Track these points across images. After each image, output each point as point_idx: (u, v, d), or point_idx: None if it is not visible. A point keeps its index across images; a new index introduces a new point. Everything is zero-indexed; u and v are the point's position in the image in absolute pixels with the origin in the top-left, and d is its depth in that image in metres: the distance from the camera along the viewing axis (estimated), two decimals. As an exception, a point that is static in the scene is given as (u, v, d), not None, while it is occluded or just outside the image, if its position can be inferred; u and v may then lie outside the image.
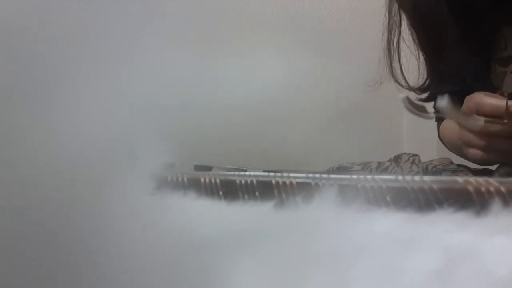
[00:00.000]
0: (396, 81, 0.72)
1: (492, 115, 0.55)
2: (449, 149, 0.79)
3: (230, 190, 0.31)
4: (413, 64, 0.72)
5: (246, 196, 0.30)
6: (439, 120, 0.80)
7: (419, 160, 0.79)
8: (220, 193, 0.31)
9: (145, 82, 0.18)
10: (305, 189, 0.29)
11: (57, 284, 0.15)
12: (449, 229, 0.23)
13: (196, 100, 0.22)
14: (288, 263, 0.20)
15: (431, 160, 0.78)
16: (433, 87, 0.73)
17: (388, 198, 0.27)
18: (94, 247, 0.16)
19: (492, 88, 0.67)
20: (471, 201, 0.26)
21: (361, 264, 0.20)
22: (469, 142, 0.60)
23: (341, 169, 0.75)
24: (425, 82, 0.73)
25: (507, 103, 0.54)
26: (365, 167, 0.76)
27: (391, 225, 0.24)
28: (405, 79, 0.71)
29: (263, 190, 0.30)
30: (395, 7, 0.71)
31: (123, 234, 0.17)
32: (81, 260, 0.16)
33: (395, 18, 0.71)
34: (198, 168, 0.50)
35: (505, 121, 0.54)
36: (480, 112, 0.56)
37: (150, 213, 0.19)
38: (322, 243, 0.22)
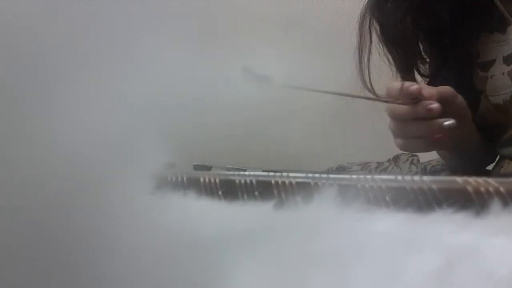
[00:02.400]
0: (368, 89, 0.73)
1: (397, 97, 0.56)
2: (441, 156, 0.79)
3: (229, 190, 0.31)
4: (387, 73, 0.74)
5: (245, 196, 0.30)
6: None
7: (418, 160, 0.79)
8: (220, 192, 0.31)
9: (145, 82, 0.18)
10: (305, 189, 0.29)
11: (57, 283, 0.15)
12: (448, 229, 0.23)
13: (196, 100, 0.22)
14: (288, 263, 0.20)
15: (430, 160, 0.78)
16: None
17: (387, 198, 0.27)
18: (94, 246, 0.16)
19: (476, 92, 0.68)
20: (470, 201, 0.26)
21: (361, 264, 0.20)
22: (392, 131, 0.60)
23: (340, 169, 0.75)
24: None
25: (402, 84, 0.55)
26: (365, 167, 0.77)
27: (391, 225, 0.24)
28: (374, 93, 0.72)
29: (262, 190, 0.30)
30: (366, 27, 0.73)
31: (123, 234, 0.17)
32: (81, 260, 0.16)
33: (365, 37, 0.73)
34: (197, 167, 0.50)
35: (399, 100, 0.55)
36: (388, 96, 0.57)
37: (150, 212, 0.19)
38: (322, 243, 0.22)
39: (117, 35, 0.17)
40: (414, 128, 0.57)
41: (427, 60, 0.72)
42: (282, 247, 0.22)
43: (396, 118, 0.58)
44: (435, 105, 0.54)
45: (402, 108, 0.56)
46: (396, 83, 0.57)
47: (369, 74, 0.73)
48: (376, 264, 0.20)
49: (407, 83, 0.56)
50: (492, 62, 0.66)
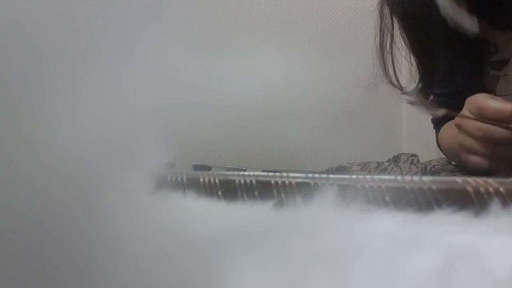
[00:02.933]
0: (391, 82, 0.72)
1: (495, 119, 0.52)
2: (447, 156, 0.78)
3: (229, 190, 0.31)
4: (405, 66, 0.73)
5: (245, 196, 0.30)
6: (438, 126, 0.80)
7: (418, 160, 0.79)
8: (219, 192, 0.31)
9: (145, 82, 0.18)
10: (305, 189, 0.29)
11: (57, 284, 0.15)
12: (448, 229, 0.23)
13: (196, 99, 0.22)
14: (288, 263, 0.20)
15: (430, 160, 0.78)
16: (425, 90, 0.72)
17: (387, 198, 0.27)
18: (93, 246, 0.16)
19: (485, 91, 0.67)
20: (470, 202, 0.26)
21: (360, 264, 0.20)
22: (470, 149, 0.56)
23: (340, 169, 0.75)
24: (417, 86, 0.73)
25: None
26: (364, 167, 0.77)
27: (391, 225, 0.24)
28: (398, 81, 0.70)
29: (262, 190, 0.30)
30: (386, 10, 0.71)
31: (123, 234, 0.17)
32: (80, 260, 0.16)
33: (386, 21, 0.71)
34: (197, 167, 0.50)
35: (511, 125, 0.51)
36: (482, 115, 0.53)
37: (149, 212, 0.19)
38: (322, 243, 0.22)
39: (117, 35, 0.17)
40: (508, 151, 0.54)
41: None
42: (281, 247, 0.22)
43: (495, 141, 0.54)
44: None
45: (505, 132, 0.52)
46: (494, 102, 0.53)
47: (392, 60, 0.71)
48: (376, 264, 0.20)
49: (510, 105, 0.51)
50: (506, 61, 0.65)
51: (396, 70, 0.71)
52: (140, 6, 0.18)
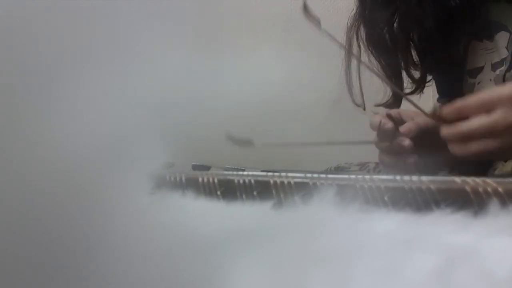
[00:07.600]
0: (353, 101, 0.74)
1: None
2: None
3: (228, 190, 0.31)
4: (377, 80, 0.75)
5: (244, 196, 0.30)
6: None
7: (416, 160, 0.79)
8: (218, 192, 0.31)
9: (144, 82, 0.18)
10: (303, 189, 0.29)
11: (57, 283, 0.15)
12: (447, 229, 0.23)
13: (196, 100, 0.22)
14: (287, 263, 0.20)
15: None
16: (397, 103, 0.74)
17: (386, 198, 0.27)
18: (93, 246, 0.16)
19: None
20: (469, 202, 0.26)
21: (359, 263, 0.20)
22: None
23: (338, 169, 0.75)
24: (389, 99, 0.74)
25: (380, 121, 0.61)
26: (363, 167, 0.77)
27: (390, 225, 0.24)
28: (363, 100, 0.73)
29: (261, 189, 0.30)
30: (354, 34, 0.74)
31: (122, 233, 0.17)
32: (80, 259, 0.16)
33: (353, 45, 0.74)
34: (196, 167, 0.50)
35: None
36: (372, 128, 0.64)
37: (149, 212, 0.19)
38: (321, 243, 0.22)
39: (118, 36, 0.17)
40: (394, 161, 0.62)
41: (419, 66, 0.73)
42: (281, 247, 0.22)
43: (381, 152, 0.63)
44: (406, 143, 0.59)
45: (383, 144, 0.62)
46: (377, 118, 0.62)
47: (360, 81, 0.74)
48: (375, 263, 0.20)
49: (383, 120, 0.61)
50: (480, 69, 0.67)
51: (363, 90, 0.74)
52: (141, 7, 0.18)
